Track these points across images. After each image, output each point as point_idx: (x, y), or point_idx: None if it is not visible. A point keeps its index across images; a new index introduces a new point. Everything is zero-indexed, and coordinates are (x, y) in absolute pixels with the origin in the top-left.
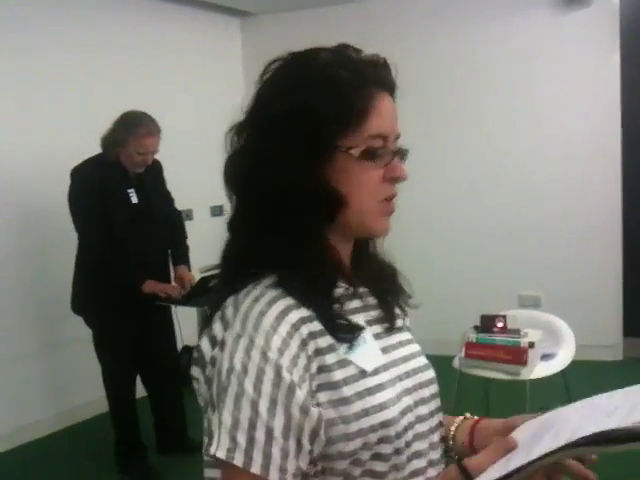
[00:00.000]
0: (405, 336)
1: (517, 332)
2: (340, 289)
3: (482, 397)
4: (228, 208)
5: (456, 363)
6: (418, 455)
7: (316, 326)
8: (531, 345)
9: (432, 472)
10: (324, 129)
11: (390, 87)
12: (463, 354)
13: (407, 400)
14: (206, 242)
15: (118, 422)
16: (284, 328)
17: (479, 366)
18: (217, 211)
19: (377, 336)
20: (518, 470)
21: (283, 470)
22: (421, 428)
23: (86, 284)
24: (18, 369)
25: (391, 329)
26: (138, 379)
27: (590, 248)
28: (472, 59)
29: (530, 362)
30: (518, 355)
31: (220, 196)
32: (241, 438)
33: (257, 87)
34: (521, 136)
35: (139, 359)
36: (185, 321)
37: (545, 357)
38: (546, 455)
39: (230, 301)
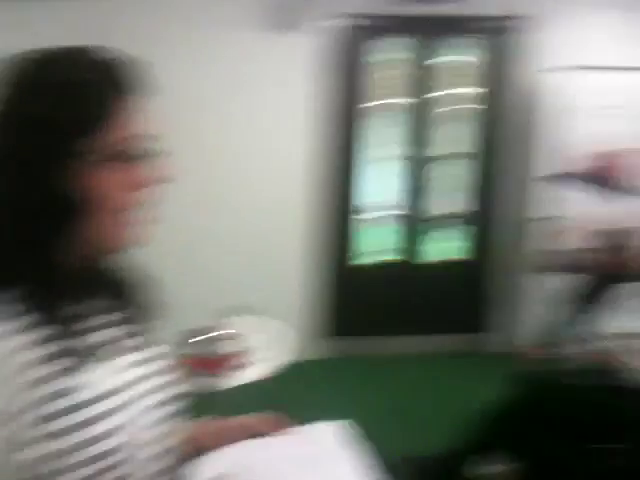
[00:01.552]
0: (152, 352)
1: (224, 340)
2: (80, 306)
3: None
4: None
5: None
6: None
7: (37, 352)
8: (239, 353)
9: None
10: (64, 134)
11: (133, 88)
12: None
13: (144, 420)
14: None
15: None
16: None
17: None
18: None
19: (118, 354)
20: None
21: None
22: (154, 450)
23: None
24: None
25: (136, 346)
26: None
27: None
28: (182, 82)
29: (235, 370)
30: (219, 365)
31: None
32: None
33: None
34: (227, 159)
35: None
36: None
37: (251, 364)
38: None
39: None
